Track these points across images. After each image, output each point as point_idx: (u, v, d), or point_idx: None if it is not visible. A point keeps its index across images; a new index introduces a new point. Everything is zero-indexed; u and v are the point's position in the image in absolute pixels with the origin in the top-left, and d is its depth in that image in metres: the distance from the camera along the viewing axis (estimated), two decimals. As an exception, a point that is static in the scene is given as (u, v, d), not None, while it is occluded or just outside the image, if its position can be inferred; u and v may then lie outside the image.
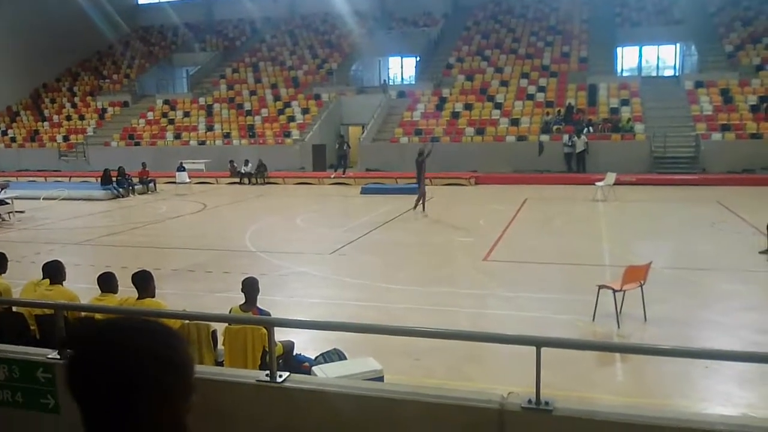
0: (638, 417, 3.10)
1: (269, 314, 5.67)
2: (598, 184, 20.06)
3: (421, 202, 17.19)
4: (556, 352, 5.48)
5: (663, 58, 36.78)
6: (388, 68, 40.34)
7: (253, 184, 26.79)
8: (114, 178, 24.08)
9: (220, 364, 5.49)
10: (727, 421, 3.17)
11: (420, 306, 9.15)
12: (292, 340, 6.09)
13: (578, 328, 7.87)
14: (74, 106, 38.39)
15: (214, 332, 5.62)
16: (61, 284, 6.32)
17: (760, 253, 11.62)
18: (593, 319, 7.91)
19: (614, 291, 7.79)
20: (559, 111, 28.55)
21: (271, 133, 31.51)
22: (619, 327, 7.72)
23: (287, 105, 33.44)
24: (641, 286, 7.98)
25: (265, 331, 4.98)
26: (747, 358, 5.72)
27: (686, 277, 10.52)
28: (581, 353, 6.62)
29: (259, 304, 5.85)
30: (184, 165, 27.01)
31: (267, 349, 4.42)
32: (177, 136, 33.05)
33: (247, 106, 34.16)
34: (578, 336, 7.50)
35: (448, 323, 8.16)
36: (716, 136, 25.46)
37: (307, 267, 11.85)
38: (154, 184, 25.35)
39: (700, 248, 12.75)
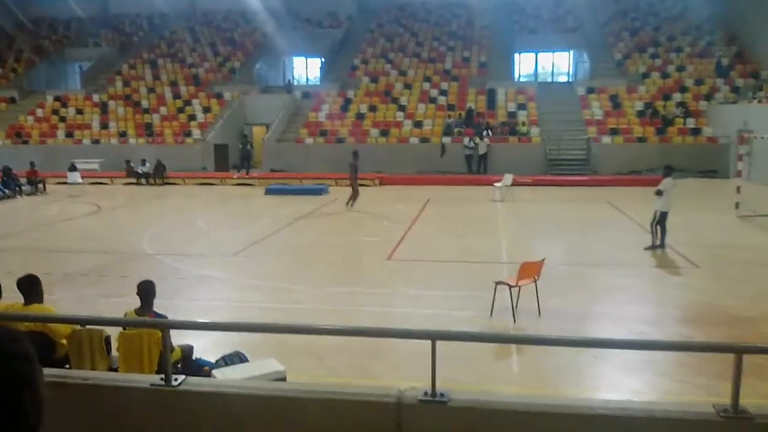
0: (529, 405, 3.25)
1: (166, 318, 5.51)
2: (497, 185, 20.73)
3: (353, 199, 18.53)
4: (456, 348, 5.65)
5: (558, 64, 38.48)
6: (293, 68, 40.04)
7: (152, 185, 25.86)
8: (-1, 179, 22.63)
9: (114, 371, 5.29)
10: (608, 405, 3.38)
11: (324, 306, 9.16)
12: (191, 344, 5.95)
13: (476, 323, 8.11)
14: (-47, 101, 35.76)
15: (107, 338, 5.41)
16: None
17: (645, 249, 12.39)
18: (491, 315, 8.18)
19: (510, 287, 8.09)
20: (460, 114, 29.29)
21: (171, 132, 30.55)
22: (515, 321, 8.03)
23: (188, 103, 32.52)
24: (535, 281, 8.32)
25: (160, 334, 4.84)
26: (631, 346, 6.11)
27: (578, 272, 11.06)
28: (480, 348, 6.83)
29: (156, 309, 5.67)
30: (75, 165, 25.73)
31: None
32: (69, 135, 31.42)
33: (144, 103, 32.94)
34: (476, 331, 7.74)
35: (352, 322, 8.21)
36: (606, 139, 26.91)
37: (209, 269, 11.59)
38: (44, 185, 24.01)
39: (590, 245, 13.45)
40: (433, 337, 3.32)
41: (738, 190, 16.38)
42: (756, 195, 16.62)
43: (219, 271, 11.56)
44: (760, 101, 25.17)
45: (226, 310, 9.11)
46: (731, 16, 31.96)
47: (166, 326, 4.12)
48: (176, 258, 12.36)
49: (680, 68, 30.75)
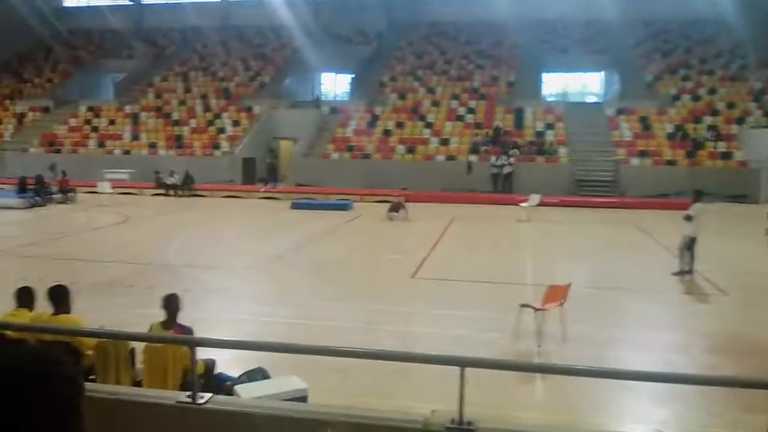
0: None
1: (192, 331, 5.53)
2: (523, 204, 20.59)
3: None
4: (481, 371, 5.57)
5: (587, 84, 38.28)
6: (322, 83, 40.37)
7: (179, 197, 26.14)
8: (31, 186, 23.05)
9: (138, 384, 5.31)
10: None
11: (347, 323, 9.12)
12: (213, 358, 5.95)
13: (500, 346, 8.02)
14: (-9, 109, 36.63)
15: (132, 350, 5.44)
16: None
17: (672, 274, 12.18)
18: (515, 338, 8.08)
19: (535, 310, 7.99)
20: (487, 132, 29.23)
21: (200, 145, 30.93)
22: (539, 345, 7.91)
23: (217, 116, 32.92)
24: (561, 305, 8.21)
25: (186, 349, 4.85)
26: (658, 379, 5.95)
27: (604, 297, 10.90)
28: (505, 372, 6.73)
29: (181, 321, 5.70)
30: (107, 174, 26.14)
31: (188, 369, 4.30)
32: (101, 145, 31.98)
33: (175, 116, 33.42)
34: (500, 354, 7.64)
35: (375, 340, 8.17)
36: (634, 161, 26.64)
37: (234, 282, 11.64)
38: (74, 193, 24.40)
39: (617, 269, 13.26)
40: (463, 364, 3.28)
41: (769, 216, 16.06)
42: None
43: (243, 284, 11.61)
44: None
45: (249, 324, 9.12)
46: (764, 41, 31.54)
47: (193, 343, 4.13)
48: (201, 270, 12.44)
49: (712, 91, 30.40)
